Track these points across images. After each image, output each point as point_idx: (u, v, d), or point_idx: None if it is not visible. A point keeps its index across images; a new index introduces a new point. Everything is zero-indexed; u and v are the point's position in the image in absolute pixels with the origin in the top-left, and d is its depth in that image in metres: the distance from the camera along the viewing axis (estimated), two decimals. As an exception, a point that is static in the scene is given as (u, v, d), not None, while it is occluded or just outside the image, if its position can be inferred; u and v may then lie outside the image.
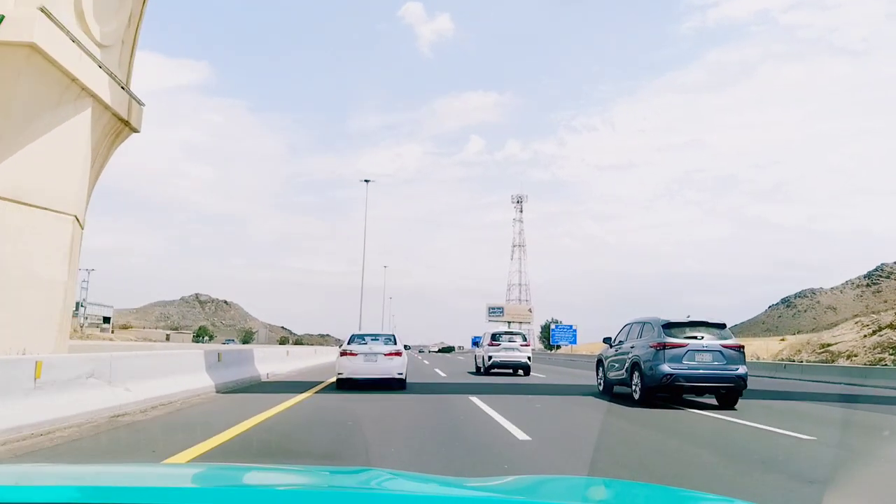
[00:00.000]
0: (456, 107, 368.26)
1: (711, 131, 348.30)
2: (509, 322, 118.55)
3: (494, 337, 21.31)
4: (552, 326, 67.41)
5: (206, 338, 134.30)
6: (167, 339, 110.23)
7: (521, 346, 21.00)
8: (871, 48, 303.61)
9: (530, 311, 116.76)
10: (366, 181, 42.39)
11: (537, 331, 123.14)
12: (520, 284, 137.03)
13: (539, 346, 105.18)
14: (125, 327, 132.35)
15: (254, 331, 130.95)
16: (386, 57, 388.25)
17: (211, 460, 5.51)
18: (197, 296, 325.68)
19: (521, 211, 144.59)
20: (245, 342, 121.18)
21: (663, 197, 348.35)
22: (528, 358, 20.95)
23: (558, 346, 76.47)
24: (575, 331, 63.11)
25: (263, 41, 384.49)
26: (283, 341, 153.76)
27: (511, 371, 21.19)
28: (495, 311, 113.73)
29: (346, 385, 13.15)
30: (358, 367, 13.09)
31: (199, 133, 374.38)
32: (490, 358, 20.75)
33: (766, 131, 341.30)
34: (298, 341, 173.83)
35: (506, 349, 20.75)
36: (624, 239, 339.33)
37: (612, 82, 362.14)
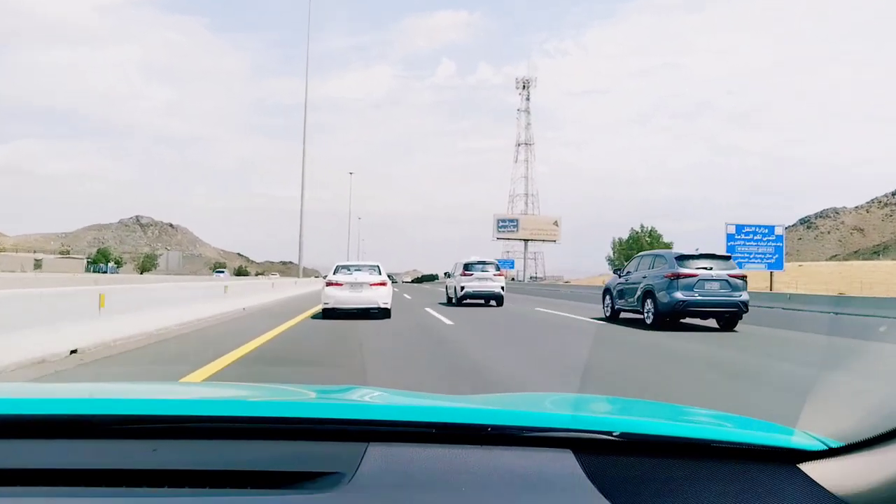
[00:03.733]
0: (426, 26, 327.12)
1: (686, 54, 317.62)
2: (527, 240, 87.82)
3: (467, 267, 21.13)
4: (728, 230, 29.78)
5: (112, 264, 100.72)
6: (36, 266, 76.69)
7: (495, 275, 21.17)
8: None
9: (556, 223, 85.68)
10: None
11: (563, 251, 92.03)
12: (527, 194, 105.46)
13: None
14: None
15: (158, 254, 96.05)
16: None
17: None
18: (137, 218, 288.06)
19: (528, 99, 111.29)
20: (144, 271, 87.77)
21: (635, 123, 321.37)
22: (502, 288, 21.08)
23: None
24: (780, 237, 27.68)
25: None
26: (217, 268, 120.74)
27: (483, 301, 21.52)
28: (506, 226, 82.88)
29: (331, 315, 13.43)
30: (344, 297, 13.54)
31: (156, 52, 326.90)
32: (462, 288, 20.74)
33: (740, 55, 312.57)
34: (241, 271, 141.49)
35: (479, 279, 20.76)
36: (597, 165, 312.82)
37: (587, 3, 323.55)
